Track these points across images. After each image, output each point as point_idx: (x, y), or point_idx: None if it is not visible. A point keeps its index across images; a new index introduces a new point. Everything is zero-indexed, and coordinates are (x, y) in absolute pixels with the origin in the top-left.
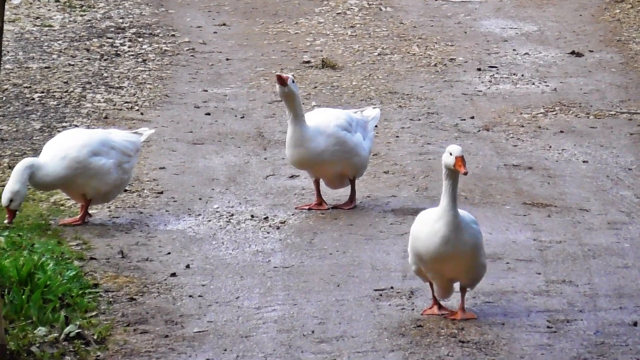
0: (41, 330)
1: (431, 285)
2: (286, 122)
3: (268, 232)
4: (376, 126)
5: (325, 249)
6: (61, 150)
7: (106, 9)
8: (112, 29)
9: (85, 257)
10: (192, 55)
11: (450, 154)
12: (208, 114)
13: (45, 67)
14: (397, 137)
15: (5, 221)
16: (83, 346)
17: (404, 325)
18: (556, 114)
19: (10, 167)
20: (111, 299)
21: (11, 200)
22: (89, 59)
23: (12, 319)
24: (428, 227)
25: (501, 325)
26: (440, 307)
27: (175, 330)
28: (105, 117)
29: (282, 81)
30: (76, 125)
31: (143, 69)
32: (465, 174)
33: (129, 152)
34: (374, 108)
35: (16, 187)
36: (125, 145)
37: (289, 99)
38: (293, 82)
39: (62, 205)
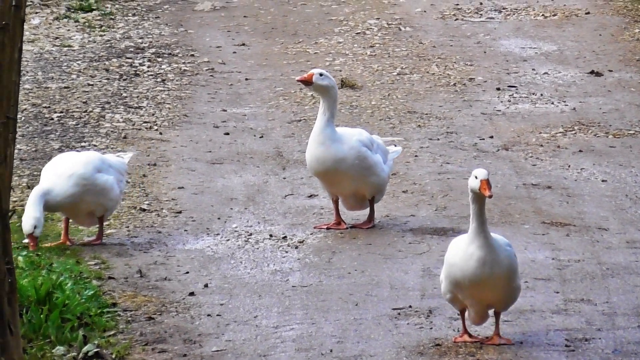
0: (59, 350)
1: (462, 314)
2: (305, 142)
3: (286, 252)
4: None
5: (344, 268)
6: (66, 169)
7: (125, 29)
8: (132, 49)
9: (104, 276)
10: (211, 75)
11: (476, 177)
12: (227, 133)
13: (65, 87)
14: (416, 156)
15: (30, 248)
16: None
17: (423, 344)
18: (575, 133)
19: (30, 187)
20: (129, 318)
21: (35, 227)
22: (108, 79)
23: (30, 338)
24: (462, 251)
25: (519, 344)
26: (470, 335)
27: (194, 349)
28: (124, 137)
29: (305, 82)
30: (95, 145)
31: (162, 88)
32: (490, 196)
33: (122, 171)
34: (396, 146)
35: (37, 214)
36: (118, 165)
37: (321, 93)
38: (321, 75)
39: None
